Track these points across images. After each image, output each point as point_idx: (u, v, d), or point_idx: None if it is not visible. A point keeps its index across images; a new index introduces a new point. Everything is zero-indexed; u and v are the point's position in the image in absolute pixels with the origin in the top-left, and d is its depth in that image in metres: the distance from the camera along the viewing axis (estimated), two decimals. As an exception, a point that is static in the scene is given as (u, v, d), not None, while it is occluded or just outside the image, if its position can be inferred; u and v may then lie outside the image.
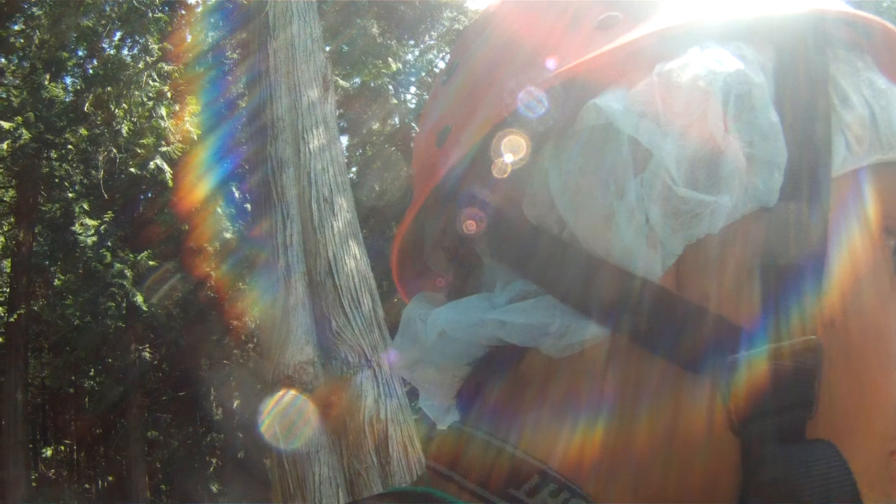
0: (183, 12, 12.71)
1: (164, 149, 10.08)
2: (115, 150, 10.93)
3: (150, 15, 10.75)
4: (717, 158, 0.39)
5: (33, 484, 15.02)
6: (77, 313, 12.53)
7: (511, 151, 0.44)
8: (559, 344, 0.43)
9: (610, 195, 0.41)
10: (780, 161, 0.40)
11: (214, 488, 15.25)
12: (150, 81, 10.39)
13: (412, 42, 14.23)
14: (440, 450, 0.48)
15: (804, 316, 0.40)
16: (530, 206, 0.45)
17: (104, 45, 12.95)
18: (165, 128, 10.20)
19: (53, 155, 13.71)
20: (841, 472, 0.38)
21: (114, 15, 12.18)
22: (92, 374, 15.46)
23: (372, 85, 12.89)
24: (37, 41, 12.90)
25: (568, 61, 0.42)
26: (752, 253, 0.41)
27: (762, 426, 0.40)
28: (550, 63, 0.44)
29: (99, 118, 11.73)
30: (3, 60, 13.74)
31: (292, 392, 5.17)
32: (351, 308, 5.66)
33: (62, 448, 18.00)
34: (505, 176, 0.45)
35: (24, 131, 12.03)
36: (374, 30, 11.47)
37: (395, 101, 14.79)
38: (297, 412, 5.14)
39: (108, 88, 10.95)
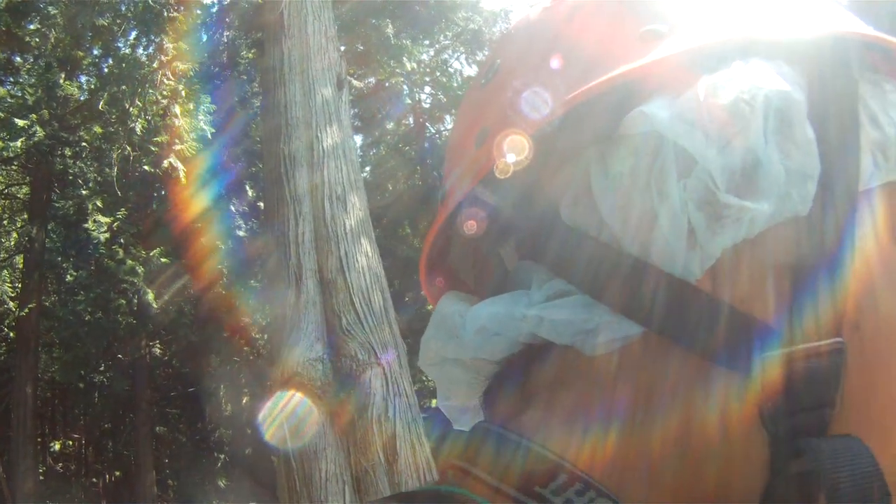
0: (198, 11, 12.77)
1: (178, 147, 10.11)
2: (129, 148, 10.97)
3: (166, 14, 10.77)
4: (757, 168, 0.41)
5: (41, 478, 15.06)
6: (88, 309, 12.57)
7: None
8: (596, 341, 0.44)
9: (654, 198, 0.42)
10: (814, 173, 0.42)
11: (222, 484, 15.26)
12: (165, 80, 10.42)
13: (427, 42, 14.18)
14: (466, 447, 0.48)
15: (830, 319, 0.42)
16: (570, 208, 0.46)
17: (119, 45, 13.00)
18: (180, 126, 10.22)
19: (67, 152, 13.77)
20: (869, 464, 0.40)
21: (129, 14, 12.22)
22: (102, 369, 15.48)
23: (387, 84, 12.90)
24: (52, 40, 12.95)
25: (615, 69, 0.44)
26: (783, 259, 0.43)
27: (793, 421, 0.41)
28: (596, 70, 0.45)
29: (113, 116, 11.76)
30: (18, 59, 13.80)
31: (298, 394, 5.16)
32: (362, 306, 5.64)
33: (71, 442, 18.01)
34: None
35: (38, 129, 12.07)
36: (389, 29, 11.47)
37: (409, 100, 14.79)
38: (301, 414, 5.13)
39: (123, 87, 10.99)
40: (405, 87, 13.90)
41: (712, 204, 0.41)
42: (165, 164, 10.16)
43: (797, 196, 0.42)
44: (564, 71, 0.47)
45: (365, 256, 6.00)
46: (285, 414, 5.15)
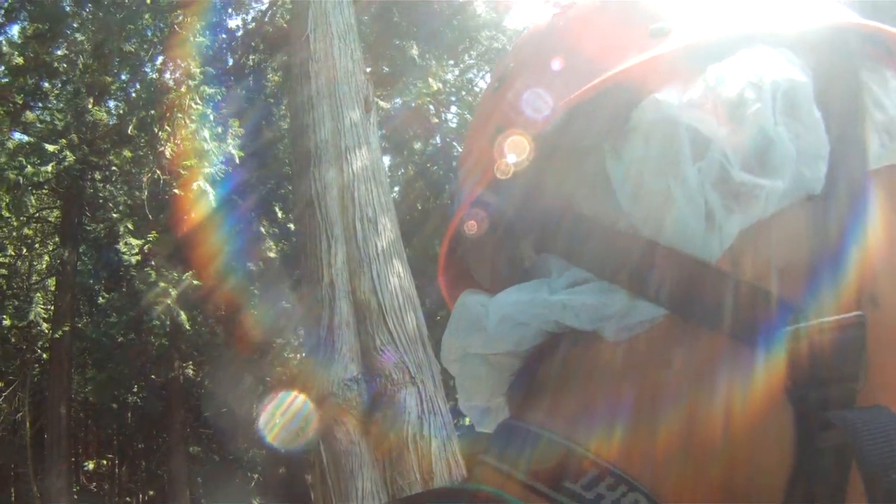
0: (224, 36, 12.94)
1: (207, 170, 10.24)
2: (158, 172, 11.12)
3: (192, 39, 10.93)
4: (768, 148, 0.42)
5: (75, 497, 15.22)
6: (121, 331, 12.70)
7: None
8: (620, 325, 0.45)
9: (670, 182, 0.43)
10: (823, 153, 0.43)
11: (256, 503, 15.31)
12: (193, 104, 10.56)
13: (452, 62, 14.32)
14: (492, 444, 0.49)
15: (848, 294, 0.43)
16: (587, 200, 0.47)
17: (146, 69, 13.21)
18: (209, 150, 10.35)
19: (97, 176, 14.01)
20: None
21: (156, 39, 12.42)
22: (135, 389, 15.63)
23: (413, 105, 12.97)
24: (80, 66, 13.18)
25: (624, 65, 0.45)
26: (798, 238, 0.44)
27: (820, 394, 0.41)
28: (606, 69, 0.46)
29: (142, 140, 11.93)
30: (47, 84, 14.04)
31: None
32: (395, 326, 5.68)
33: (104, 462, 18.19)
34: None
35: (68, 153, 12.29)
36: (414, 50, 11.53)
37: (436, 120, 14.85)
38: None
39: (152, 111, 11.15)
40: (431, 107, 13.96)
41: (727, 182, 0.42)
42: (195, 186, 10.28)
43: (809, 175, 0.43)
44: (573, 71, 0.48)
45: (397, 277, 6.04)
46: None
